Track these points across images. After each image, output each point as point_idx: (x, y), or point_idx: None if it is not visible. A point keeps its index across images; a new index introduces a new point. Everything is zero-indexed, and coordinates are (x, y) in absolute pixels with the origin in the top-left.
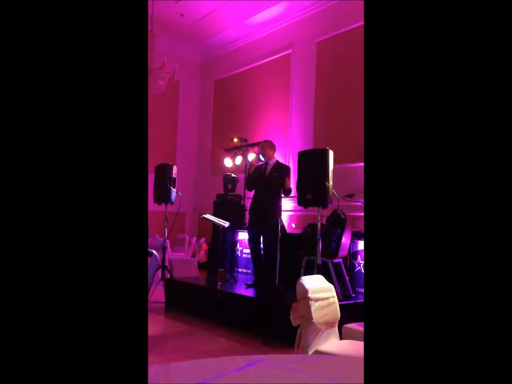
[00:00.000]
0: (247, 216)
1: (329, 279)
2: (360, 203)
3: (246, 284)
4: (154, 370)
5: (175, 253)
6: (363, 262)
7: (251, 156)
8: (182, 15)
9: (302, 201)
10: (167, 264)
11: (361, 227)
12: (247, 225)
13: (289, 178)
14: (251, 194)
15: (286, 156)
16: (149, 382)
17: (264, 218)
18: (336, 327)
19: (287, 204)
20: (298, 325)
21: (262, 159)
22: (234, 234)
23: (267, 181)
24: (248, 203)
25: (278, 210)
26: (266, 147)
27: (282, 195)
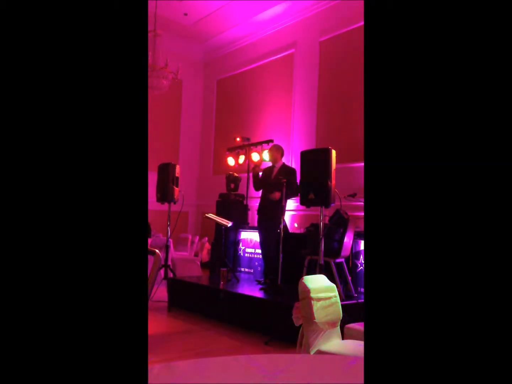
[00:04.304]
0: (250, 215)
1: (331, 278)
2: (363, 202)
3: (258, 282)
4: (156, 369)
5: (177, 252)
6: None
7: (254, 155)
8: (185, 14)
9: (304, 200)
10: (170, 263)
11: (363, 226)
12: (256, 226)
13: (295, 180)
14: (254, 193)
15: (289, 156)
16: (151, 381)
17: (268, 219)
18: (338, 327)
19: (290, 204)
20: (300, 325)
21: (266, 159)
22: (237, 233)
23: (273, 183)
24: (250, 203)
25: (281, 210)
26: (273, 150)
27: (288, 197)
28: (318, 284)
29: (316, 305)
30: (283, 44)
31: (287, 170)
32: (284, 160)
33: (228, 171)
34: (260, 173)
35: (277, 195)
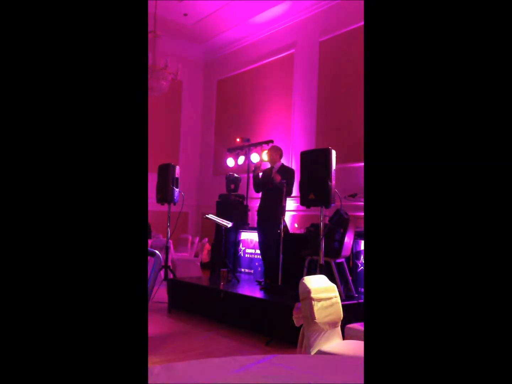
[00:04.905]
0: (250, 216)
1: (331, 279)
2: (363, 203)
3: (258, 283)
4: (157, 370)
5: (178, 253)
6: None
7: (254, 156)
8: (185, 14)
9: (304, 201)
10: (170, 264)
11: (363, 226)
12: (256, 226)
13: (292, 180)
14: (254, 194)
15: (289, 156)
16: (151, 382)
17: (268, 219)
18: (339, 327)
19: (290, 204)
20: (301, 325)
21: (266, 159)
22: (237, 234)
23: (271, 182)
24: (250, 203)
25: (281, 210)
26: (272, 151)
27: (286, 196)
28: (318, 284)
29: (316, 306)
30: (283, 44)
31: (285, 171)
32: (283, 160)
33: (228, 172)
34: (260, 174)
35: (278, 178)
